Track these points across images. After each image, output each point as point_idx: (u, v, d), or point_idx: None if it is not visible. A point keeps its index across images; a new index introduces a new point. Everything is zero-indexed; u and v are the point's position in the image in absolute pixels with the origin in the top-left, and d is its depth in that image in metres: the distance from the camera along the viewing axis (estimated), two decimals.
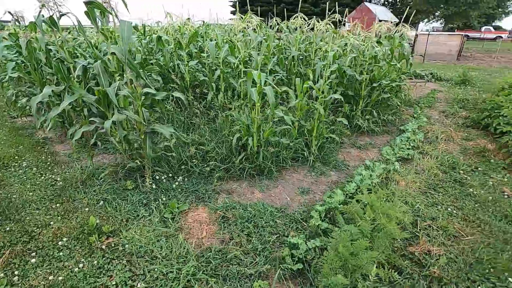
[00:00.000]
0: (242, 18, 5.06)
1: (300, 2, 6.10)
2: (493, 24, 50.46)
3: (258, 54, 5.03)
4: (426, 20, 45.82)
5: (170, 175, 3.39)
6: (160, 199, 2.99)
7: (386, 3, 59.39)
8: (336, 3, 6.46)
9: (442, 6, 33.72)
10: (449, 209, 2.91)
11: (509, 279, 2.05)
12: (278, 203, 3.11)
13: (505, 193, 3.17)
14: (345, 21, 6.30)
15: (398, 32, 5.75)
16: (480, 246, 2.38)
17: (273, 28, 6.85)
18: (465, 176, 3.53)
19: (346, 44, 5.43)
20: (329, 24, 5.80)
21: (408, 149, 4.13)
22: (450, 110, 6.28)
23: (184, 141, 3.69)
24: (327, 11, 5.86)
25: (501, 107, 4.72)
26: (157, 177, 3.31)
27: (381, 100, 5.41)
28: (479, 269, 2.15)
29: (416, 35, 17.02)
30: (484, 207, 2.93)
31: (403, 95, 6.03)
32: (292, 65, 5.93)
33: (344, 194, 2.93)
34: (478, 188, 3.25)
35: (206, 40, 5.89)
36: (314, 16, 5.43)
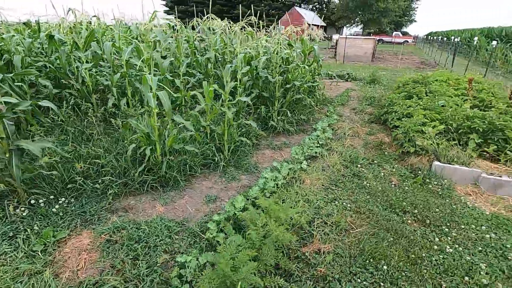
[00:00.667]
0: (172, 20, 4.75)
1: (212, 3, 5.94)
2: (402, 30, 58.24)
3: (164, 56, 4.73)
4: (348, 25, 50.64)
5: (52, 197, 2.90)
6: (32, 228, 2.51)
7: (314, 8, 63.59)
8: (252, 7, 6.50)
9: (359, 13, 37.70)
10: (345, 203, 3.07)
11: (385, 267, 2.21)
12: (181, 215, 2.90)
13: (393, 183, 3.50)
14: (260, 23, 6.38)
15: (309, 36, 6.05)
16: (365, 237, 2.54)
17: (195, 29, 6.60)
18: (362, 169, 3.82)
19: (263, 46, 5.49)
20: (245, 27, 5.80)
21: (317, 147, 4.32)
22: (359, 107, 6.86)
23: (64, 156, 3.19)
24: (240, 14, 5.84)
25: (394, 104, 5.30)
26: (33, 201, 2.79)
27: (296, 100, 5.62)
28: (360, 261, 2.27)
29: (337, 38, 18.55)
30: (374, 198, 3.18)
31: (317, 94, 6.38)
32: (210, 68, 5.77)
33: (246, 199, 2.86)
34: (371, 180, 3.53)
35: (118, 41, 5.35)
36: (226, 18, 5.36)
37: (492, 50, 9.12)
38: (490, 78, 9.11)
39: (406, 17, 50.51)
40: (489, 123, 3.88)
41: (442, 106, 4.70)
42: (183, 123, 3.21)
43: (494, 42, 8.65)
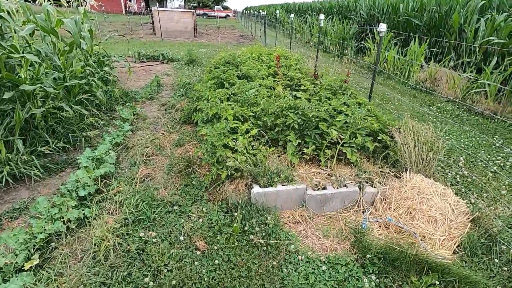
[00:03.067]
0: None
1: None
2: (223, 5, 60.83)
3: None
4: None
5: None
6: None
7: None
8: None
9: None
10: None
11: None
12: None
13: (199, 251, 2.12)
14: None
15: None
16: None
17: None
18: (152, 233, 2.24)
19: None
20: None
21: (74, 207, 2.37)
22: (171, 101, 5.25)
23: None
24: None
25: (202, 97, 3.98)
26: None
27: (47, 115, 3.30)
28: None
29: (152, 11, 15.98)
30: None
31: (100, 95, 4.21)
32: None
33: None
34: (163, 258, 2.01)
35: None
36: None
37: (291, 24, 9.57)
38: (295, 50, 9.64)
39: None
40: (303, 115, 3.13)
41: (255, 96, 3.73)
42: None
43: (292, 15, 8.99)
